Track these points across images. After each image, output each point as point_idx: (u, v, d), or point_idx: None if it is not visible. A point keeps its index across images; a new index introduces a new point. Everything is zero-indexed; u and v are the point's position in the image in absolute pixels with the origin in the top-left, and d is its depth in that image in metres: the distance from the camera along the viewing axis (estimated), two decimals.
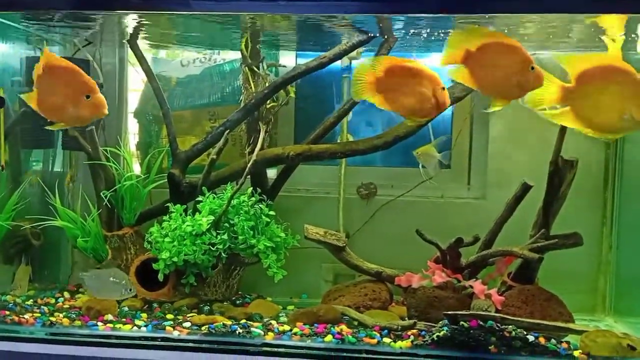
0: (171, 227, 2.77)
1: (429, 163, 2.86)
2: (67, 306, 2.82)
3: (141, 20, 2.68)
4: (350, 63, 3.13)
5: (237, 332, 2.44)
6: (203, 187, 2.86)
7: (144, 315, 2.69)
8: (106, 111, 2.44)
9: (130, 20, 2.71)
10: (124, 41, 3.04)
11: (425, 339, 2.37)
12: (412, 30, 2.69)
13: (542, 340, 2.35)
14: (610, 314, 3.01)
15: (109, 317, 2.61)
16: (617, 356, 2.29)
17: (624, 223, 2.99)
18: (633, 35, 2.53)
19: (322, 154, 2.86)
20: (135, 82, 3.38)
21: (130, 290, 2.56)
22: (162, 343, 2.38)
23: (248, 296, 3.01)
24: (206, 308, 2.77)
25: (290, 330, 2.51)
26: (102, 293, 2.60)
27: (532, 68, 2.20)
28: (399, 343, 2.39)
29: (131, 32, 2.91)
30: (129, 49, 3.05)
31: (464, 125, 3.24)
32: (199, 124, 3.31)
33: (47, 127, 2.48)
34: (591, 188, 3.03)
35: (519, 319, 2.41)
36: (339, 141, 3.18)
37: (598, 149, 3.05)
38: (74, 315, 2.64)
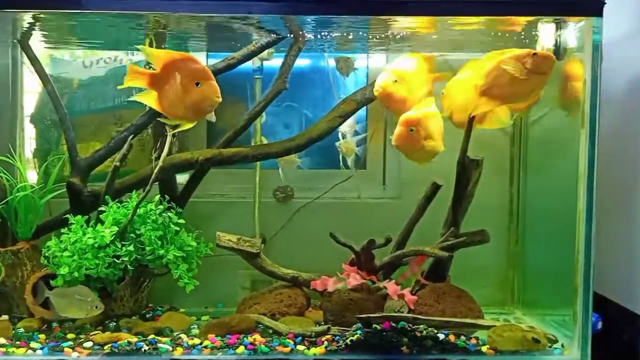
0: (71, 240, 2.58)
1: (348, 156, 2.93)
2: None
3: (35, 19, 2.49)
4: (262, 64, 3.06)
5: (142, 349, 2.31)
6: (106, 196, 2.69)
7: (42, 336, 2.49)
8: (218, 99, 2.35)
9: (23, 18, 2.51)
10: (14, 41, 2.81)
11: (339, 344, 2.34)
12: (325, 31, 2.67)
13: (452, 337, 2.40)
14: (519, 307, 3.13)
15: (1, 340, 2.40)
16: (522, 349, 2.36)
17: (529, 217, 3.11)
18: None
19: (233, 157, 2.77)
20: (33, 84, 3.14)
21: (97, 307, 2.43)
22: None
23: (160, 308, 2.87)
24: (112, 324, 2.61)
25: (201, 343, 2.41)
26: (68, 311, 2.45)
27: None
28: (313, 350, 2.36)
29: (23, 31, 2.69)
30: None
31: (379, 125, 3.26)
32: (103, 129, 3.12)
33: (175, 131, 2.44)
34: (497, 184, 3.14)
35: (430, 317, 2.44)
36: (252, 144, 3.10)
37: (503, 146, 3.16)
38: None
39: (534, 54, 2.38)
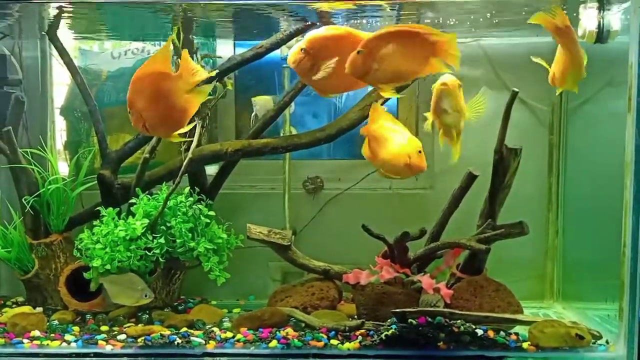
0: (102, 233, 2.58)
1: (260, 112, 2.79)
2: None
3: (63, 10, 2.47)
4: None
5: (176, 342, 2.30)
6: (137, 188, 2.68)
7: (76, 328, 2.50)
8: None
9: (51, 9, 2.50)
10: (42, 33, 2.80)
11: (373, 339, 2.29)
12: (357, 19, 2.59)
13: (490, 333, 2.32)
14: (559, 300, 3.03)
15: (36, 333, 2.41)
16: (565, 346, 2.27)
17: (568, 208, 2.99)
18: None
19: (263, 149, 2.73)
20: (63, 76, 3.14)
21: (147, 295, 2.45)
22: (94, 359, 2.21)
23: (191, 300, 2.86)
24: (145, 316, 2.60)
25: (233, 337, 2.38)
26: (120, 298, 2.48)
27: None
28: (347, 344, 2.31)
29: (50, 22, 2.68)
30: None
31: (410, 113, 3.17)
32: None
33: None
34: (536, 174, 3.02)
35: (467, 312, 2.37)
36: (281, 134, 3.05)
37: (542, 135, 3.03)
38: None
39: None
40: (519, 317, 2.40)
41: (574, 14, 2.56)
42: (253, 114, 2.82)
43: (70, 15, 2.58)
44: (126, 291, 2.46)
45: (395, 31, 2.16)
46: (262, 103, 2.83)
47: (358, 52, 2.15)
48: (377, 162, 2.33)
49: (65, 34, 2.84)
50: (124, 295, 2.47)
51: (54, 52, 2.93)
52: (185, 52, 2.26)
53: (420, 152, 2.25)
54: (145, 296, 2.45)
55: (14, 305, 2.81)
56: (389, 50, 2.16)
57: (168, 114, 2.19)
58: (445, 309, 2.36)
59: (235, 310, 2.84)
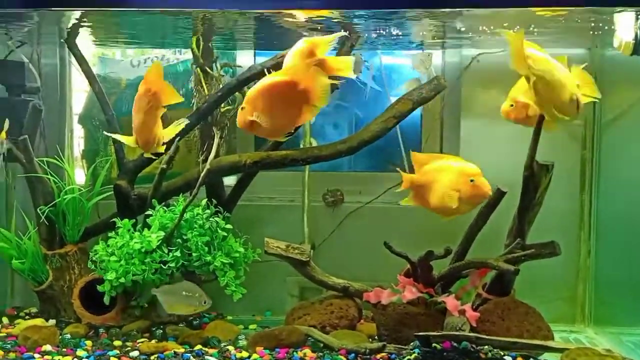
0: (118, 245, 2.52)
1: None
2: (4, 334, 2.55)
3: (82, 18, 2.43)
4: None
5: None
6: (153, 200, 2.62)
7: (89, 343, 2.44)
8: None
9: (69, 17, 2.46)
10: (61, 40, 2.77)
11: None
12: (379, 29, 2.51)
13: None
14: (591, 324, 2.88)
15: (48, 347, 2.36)
16: None
17: (602, 227, 2.85)
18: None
19: (282, 161, 2.64)
20: (82, 84, 3.12)
21: (205, 302, 2.36)
22: None
23: (206, 315, 2.78)
24: (159, 332, 2.53)
25: (249, 357, 2.30)
26: (177, 308, 2.41)
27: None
28: None
29: (69, 30, 2.64)
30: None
31: (434, 126, 3.07)
32: None
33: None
34: (567, 191, 2.89)
35: (495, 337, 2.24)
36: (301, 146, 2.97)
37: (574, 150, 2.91)
38: (9, 346, 2.38)
39: None
40: (549, 343, 2.27)
41: (611, 27, 2.45)
42: None
43: (89, 23, 2.55)
44: (183, 300, 2.37)
45: (269, 83, 2.25)
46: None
47: (242, 108, 2.27)
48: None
49: (84, 41, 2.81)
50: (181, 304, 2.38)
51: (73, 59, 2.90)
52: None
53: (472, 180, 2.25)
54: (204, 303, 2.34)
55: (27, 317, 2.77)
56: (267, 103, 2.24)
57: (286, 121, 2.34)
58: (472, 334, 2.25)
59: (251, 327, 2.76)
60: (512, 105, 2.46)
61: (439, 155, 2.40)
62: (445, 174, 2.30)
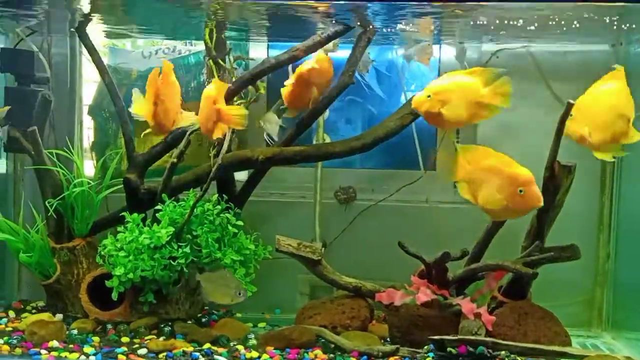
0: (126, 240, 2.48)
1: (272, 129, 2.64)
2: (10, 328, 2.52)
3: (92, 7, 2.38)
4: None
5: None
6: (163, 195, 2.57)
7: (96, 339, 2.41)
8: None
9: (80, 5, 2.41)
10: (72, 29, 2.71)
11: None
12: (397, 23, 2.43)
13: None
14: (608, 329, 2.81)
15: (55, 343, 2.32)
16: None
17: (622, 229, 2.78)
18: None
19: (295, 157, 2.59)
20: (92, 74, 3.06)
21: (240, 294, 2.30)
22: None
23: (215, 313, 2.74)
24: (167, 329, 2.49)
25: (259, 357, 2.25)
26: (215, 296, 2.34)
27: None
28: None
29: (80, 19, 2.59)
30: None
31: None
32: None
33: None
34: (586, 192, 2.81)
35: (513, 343, 2.18)
36: (314, 142, 2.90)
37: None
38: (15, 342, 2.35)
39: None
40: (568, 350, 2.21)
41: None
42: (265, 134, 2.68)
43: (100, 12, 2.49)
44: (220, 289, 2.30)
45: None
46: (269, 118, 2.66)
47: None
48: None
49: (96, 31, 2.75)
50: (219, 293, 2.31)
51: (84, 49, 2.85)
52: None
53: (521, 191, 2.10)
54: (240, 294, 2.28)
55: (33, 311, 2.74)
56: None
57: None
58: (488, 339, 2.19)
59: (260, 325, 2.71)
60: (429, 97, 2.16)
61: (496, 153, 2.19)
62: (496, 178, 2.13)
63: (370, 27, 2.53)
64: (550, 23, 2.37)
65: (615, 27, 2.45)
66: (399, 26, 2.52)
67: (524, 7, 2.20)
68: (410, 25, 2.51)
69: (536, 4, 2.12)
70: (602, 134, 2.18)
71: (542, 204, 2.13)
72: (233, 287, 2.27)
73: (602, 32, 2.56)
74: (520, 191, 2.10)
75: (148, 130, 2.46)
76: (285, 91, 2.53)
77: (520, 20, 2.39)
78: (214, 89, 2.38)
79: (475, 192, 2.18)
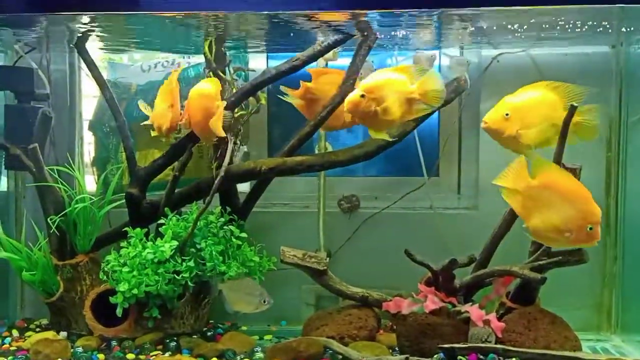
0: (130, 255, 2.46)
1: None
2: (14, 348, 2.49)
3: (91, 23, 2.37)
4: (327, 65, 2.84)
5: None
6: (166, 208, 2.55)
7: (101, 356, 2.38)
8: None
9: (79, 22, 2.40)
10: (71, 45, 2.71)
11: None
12: (398, 30, 2.43)
13: None
14: (617, 332, 2.78)
15: None
16: None
17: (628, 231, 2.76)
18: None
19: (298, 167, 2.57)
20: (91, 89, 3.06)
21: (265, 302, 2.28)
22: None
23: (220, 326, 2.71)
24: (173, 344, 2.47)
25: None
26: (239, 305, 2.33)
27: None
28: None
29: (79, 35, 2.58)
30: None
31: (452, 130, 2.98)
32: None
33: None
34: (592, 194, 2.78)
35: (523, 349, 2.16)
36: (316, 151, 2.89)
37: (598, 152, 2.81)
38: None
39: None
40: (580, 355, 2.18)
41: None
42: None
43: (99, 27, 2.48)
44: (245, 297, 2.29)
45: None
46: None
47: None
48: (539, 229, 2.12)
49: (93, 46, 2.75)
50: (243, 301, 2.30)
51: (83, 65, 2.84)
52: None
53: (591, 228, 2.03)
54: (264, 302, 2.26)
55: (37, 329, 2.71)
56: None
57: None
58: (499, 345, 2.16)
59: (266, 337, 2.68)
60: (362, 96, 2.09)
61: (573, 179, 2.10)
62: (569, 207, 2.01)
63: (372, 35, 2.52)
64: (545, 26, 2.37)
65: (614, 29, 2.45)
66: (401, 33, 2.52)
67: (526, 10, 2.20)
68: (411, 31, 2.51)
69: (537, 7, 2.12)
70: (532, 138, 2.18)
71: (597, 244, 2.06)
72: (257, 295, 2.24)
73: (602, 34, 2.55)
74: (590, 229, 1.99)
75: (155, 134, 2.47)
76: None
77: (525, 25, 2.39)
78: (212, 88, 2.32)
79: (531, 208, 2.05)
